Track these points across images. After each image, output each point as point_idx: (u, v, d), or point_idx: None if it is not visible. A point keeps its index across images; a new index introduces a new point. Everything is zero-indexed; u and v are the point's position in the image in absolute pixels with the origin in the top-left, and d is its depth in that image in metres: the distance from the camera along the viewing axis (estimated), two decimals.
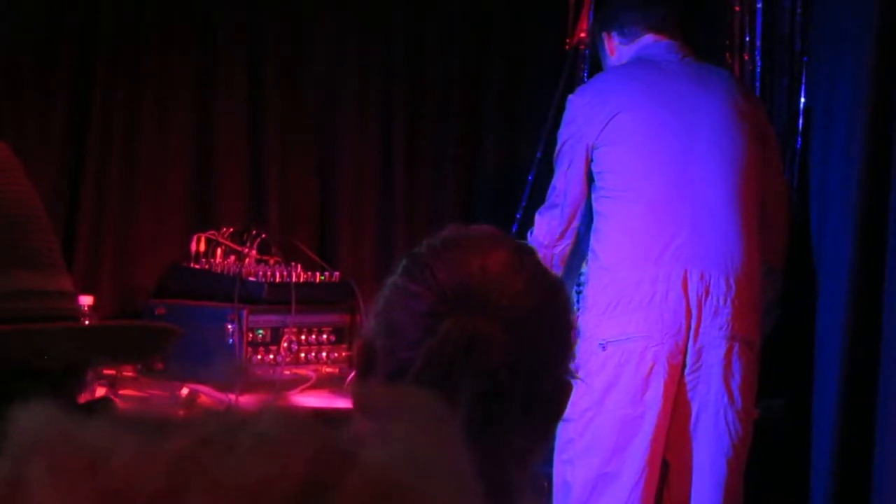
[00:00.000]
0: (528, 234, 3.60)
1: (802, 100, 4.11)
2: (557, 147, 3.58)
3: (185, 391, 3.48)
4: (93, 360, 1.21)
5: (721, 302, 3.34)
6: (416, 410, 0.62)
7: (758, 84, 4.28)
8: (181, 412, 0.61)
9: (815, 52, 3.82)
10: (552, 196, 3.58)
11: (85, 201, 4.02)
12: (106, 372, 3.42)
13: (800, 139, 3.98)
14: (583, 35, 4.27)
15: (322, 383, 3.77)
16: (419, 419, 0.61)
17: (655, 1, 3.68)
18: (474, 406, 1.32)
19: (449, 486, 0.58)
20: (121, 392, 3.45)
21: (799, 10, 4.17)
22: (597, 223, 3.48)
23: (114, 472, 0.54)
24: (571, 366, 1.45)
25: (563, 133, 3.57)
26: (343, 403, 3.53)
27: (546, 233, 3.54)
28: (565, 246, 3.54)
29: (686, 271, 3.35)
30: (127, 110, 4.11)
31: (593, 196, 3.51)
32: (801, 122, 4.06)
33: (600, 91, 3.56)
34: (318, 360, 3.83)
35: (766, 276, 3.52)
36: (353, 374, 3.68)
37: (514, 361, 1.35)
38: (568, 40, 4.31)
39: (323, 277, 3.94)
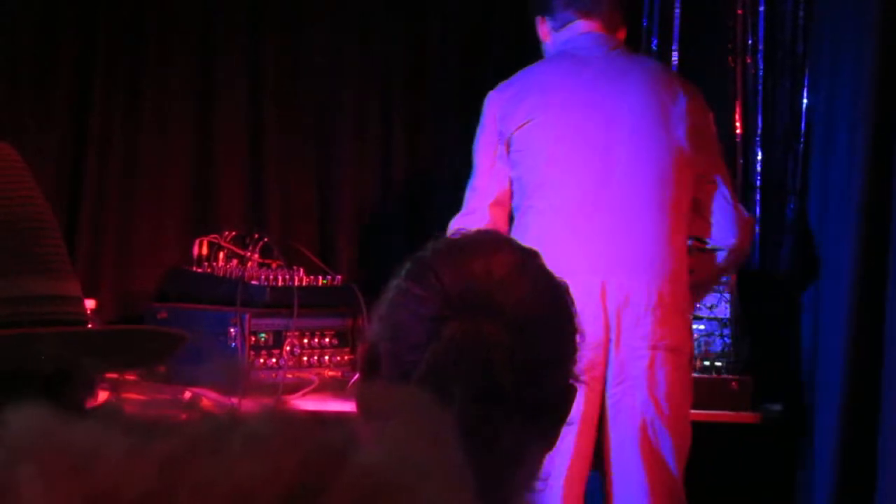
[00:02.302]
0: None
1: (805, 102, 4.11)
2: (476, 146, 3.48)
3: (187, 395, 3.48)
4: (94, 364, 1.21)
5: (641, 311, 3.26)
6: (411, 410, 0.62)
7: (760, 87, 4.28)
8: (182, 415, 0.61)
9: (816, 54, 3.83)
10: (472, 200, 3.46)
11: (86, 205, 4.02)
12: (108, 375, 3.41)
13: (802, 141, 3.98)
14: None
15: (324, 387, 3.77)
16: (413, 419, 0.61)
17: None
18: (477, 408, 1.32)
19: (442, 486, 0.58)
20: (123, 395, 3.45)
21: (801, 13, 4.17)
22: (513, 234, 3.35)
23: (102, 474, 0.53)
24: (575, 369, 1.44)
25: (483, 130, 3.47)
26: (345, 407, 3.52)
27: None
28: None
29: (604, 283, 3.25)
30: (127, 114, 4.11)
31: (513, 204, 3.42)
32: (803, 124, 4.06)
33: (520, 89, 3.45)
34: (320, 363, 3.83)
35: (707, 252, 3.45)
36: (355, 377, 3.68)
37: (518, 364, 1.34)
38: None
39: (325, 281, 3.93)
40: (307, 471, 0.54)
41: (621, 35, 3.55)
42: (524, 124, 3.38)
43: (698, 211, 3.44)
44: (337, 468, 0.55)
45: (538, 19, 3.59)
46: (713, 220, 3.46)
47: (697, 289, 3.50)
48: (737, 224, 3.47)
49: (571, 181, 3.33)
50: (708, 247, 3.45)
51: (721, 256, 3.48)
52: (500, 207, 3.43)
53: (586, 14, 3.49)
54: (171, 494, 0.53)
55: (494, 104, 3.46)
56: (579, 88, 3.39)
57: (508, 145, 3.41)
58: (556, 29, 3.53)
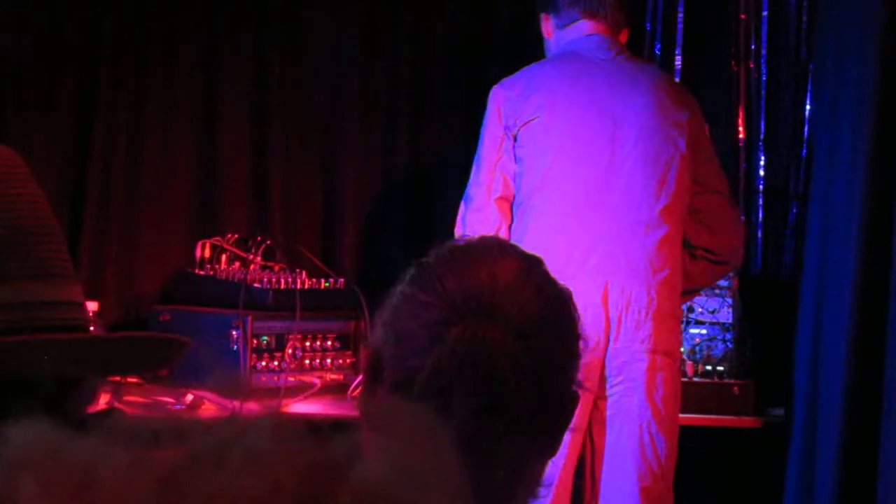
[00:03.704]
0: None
1: (808, 108, 4.11)
2: (482, 139, 3.47)
3: (189, 397, 3.48)
4: (95, 371, 1.21)
5: (643, 315, 3.27)
6: (410, 423, 0.62)
7: (763, 92, 4.28)
8: (180, 420, 0.61)
9: (819, 59, 3.82)
10: (478, 195, 3.43)
11: (89, 207, 4.02)
12: (111, 378, 3.41)
13: (805, 146, 3.97)
14: None
15: (326, 390, 3.76)
16: (413, 433, 0.61)
17: None
18: (480, 415, 1.32)
19: (441, 498, 0.58)
20: (126, 398, 3.45)
21: (804, 18, 4.17)
22: (512, 234, 3.36)
23: (104, 489, 0.53)
24: (578, 376, 1.44)
25: (489, 124, 3.46)
26: (347, 411, 3.52)
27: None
28: None
29: (607, 284, 3.26)
30: (131, 116, 4.12)
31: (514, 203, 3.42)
32: (806, 129, 4.06)
33: (526, 85, 3.44)
34: (322, 366, 3.82)
35: (711, 263, 3.48)
36: (357, 380, 3.68)
37: (521, 370, 1.34)
38: None
39: (328, 284, 3.93)
40: (307, 486, 0.54)
41: (624, 37, 3.56)
42: (530, 121, 3.38)
43: (703, 222, 3.46)
44: (337, 483, 0.55)
45: (542, 16, 3.60)
46: (726, 235, 3.50)
47: (687, 295, 3.54)
48: (744, 243, 3.54)
49: (573, 183, 3.33)
50: (718, 260, 3.48)
51: (723, 270, 3.54)
52: (505, 202, 3.43)
53: (592, 14, 3.50)
54: None
55: (500, 99, 3.45)
56: (586, 90, 3.40)
57: (514, 139, 3.41)
58: (561, 27, 3.54)
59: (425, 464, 0.59)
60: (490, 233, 3.33)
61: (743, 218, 3.56)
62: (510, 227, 3.41)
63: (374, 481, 0.56)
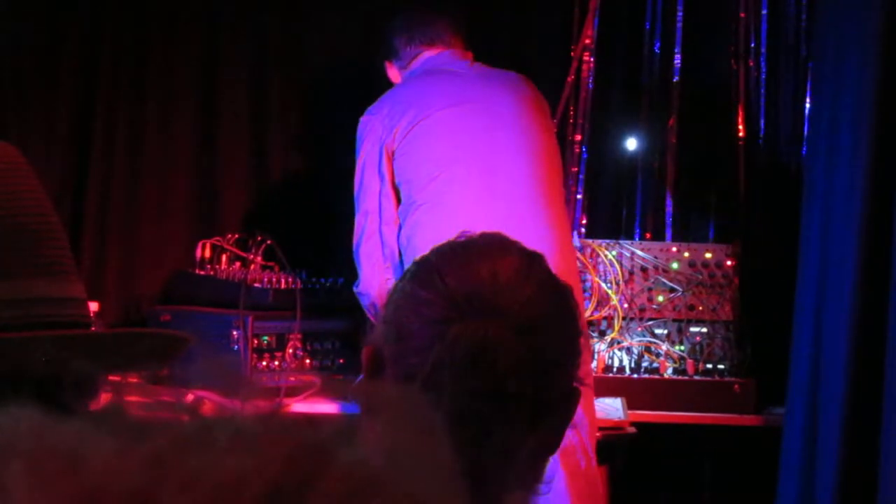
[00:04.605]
0: (354, 286, 3.52)
1: (807, 105, 4.11)
2: (360, 169, 3.53)
3: (189, 397, 3.48)
4: (89, 367, 1.21)
5: None
6: (399, 407, 0.62)
7: (762, 91, 4.27)
8: (183, 417, 0.61)
9: (819, 57, 3.82)
10: (367, 224, 3.51)
11: (90, 208, 4.03)
12: (111, 378, 3.41)
13: (805, 145, 3.97)
14: (587, 41, 4.26)
15: (327, 390, 3.76)
16: (402, 416, 0.61)
17: (421, 21, 3.66)
18: (481, 411, 1.32)
19: (429, 482, 0.58)
20: (125, 398, 3.45)
21: (803, 16, 4.17)
22: (407, 239, 3.41)
23: (91, 471, 0.54)
24: (579, 373, 1.45)
25: (366, 152, 3.51)
26: (348, 410, 3.52)
27: (377, 270, 3.48)
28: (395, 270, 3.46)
29: None
30: (131, 116, 4.12)
31: (399, 211, 3.47)
32: (805, 127, 4.05)
33: (396, 102, 3.51)
34: (322, 366, 3.82)
35: None
36: (358, 380, 3.68)
37: (522, 367, 1.34)
38: (572, 46, 4.31)
39: (328, 284, 3.93)
40: (293, 466, 0.54)
41: (469, 57, 3.65)
42: (408, 133, 3.44)
43: None
44: (323, 464, 0.55)
45: (386, 64, 3.73)
46: None
47: None
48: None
49: (460, 174, 3.39)
50: None
51: None
52: (392, 226, 3.49)
53: (430, 44, 3.63)
54: (159, 490, 0.53)
55: (373, 125, 3.51)
56: (455, 92, 3.49)
57: (392, 158, 3.47)
58: (405, 67, 3.66)
59: (415, 448, 0.59)
60: (381, 259, 3.47)
61: None
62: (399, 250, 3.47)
63: (361, 463, 0.56)
